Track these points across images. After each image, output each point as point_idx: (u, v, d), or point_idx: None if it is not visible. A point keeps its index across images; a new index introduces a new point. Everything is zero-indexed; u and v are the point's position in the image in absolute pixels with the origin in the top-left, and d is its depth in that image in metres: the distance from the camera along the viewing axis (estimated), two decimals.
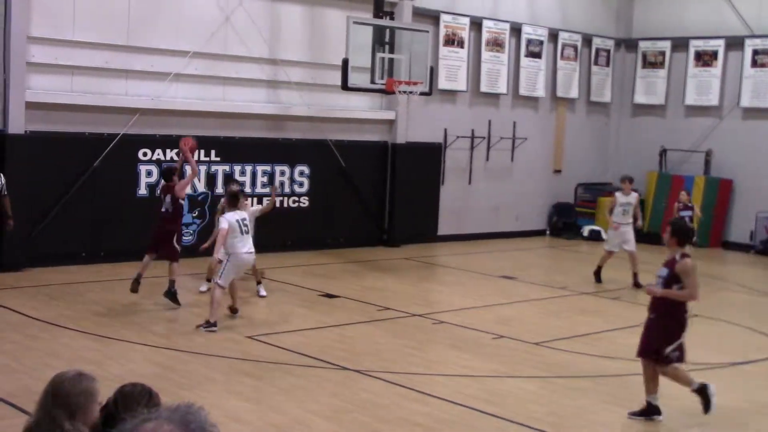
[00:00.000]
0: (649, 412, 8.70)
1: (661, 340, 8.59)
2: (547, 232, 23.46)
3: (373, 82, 17.51)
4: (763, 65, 22.28)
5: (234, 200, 12.22)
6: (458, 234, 20.69)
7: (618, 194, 16.90)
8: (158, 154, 16.43)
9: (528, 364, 10.64)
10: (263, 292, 13.79)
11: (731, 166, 22.76)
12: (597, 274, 16.52)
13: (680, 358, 8.64)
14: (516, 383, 9.84)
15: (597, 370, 10.53)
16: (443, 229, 20.79)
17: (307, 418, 8.40)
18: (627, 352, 11.32)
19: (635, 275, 16.14)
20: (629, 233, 16.55)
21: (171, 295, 12.59)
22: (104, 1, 15.78)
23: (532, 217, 23.25)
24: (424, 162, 20.42)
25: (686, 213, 17.29)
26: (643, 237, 22.91)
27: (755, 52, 22.38)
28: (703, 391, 8.71)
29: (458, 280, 16.57)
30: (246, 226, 11.92)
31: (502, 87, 22.09)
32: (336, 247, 18.64)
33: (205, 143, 16.99)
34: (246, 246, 11.82)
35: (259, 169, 17.89)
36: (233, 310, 12.32)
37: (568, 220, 23.28)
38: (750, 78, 22.49)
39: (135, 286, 12.63)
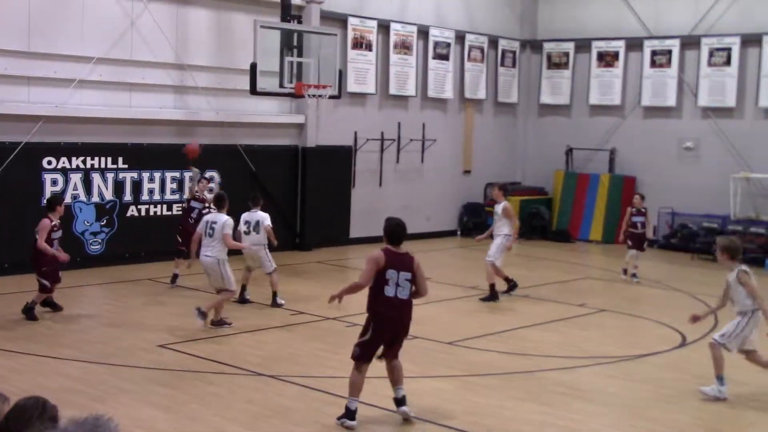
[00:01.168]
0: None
1: None
2: (458, 233, 23.73)
3: (282, 86, 17.48)
4: (661, 65, 22.93)
5: (219, 202, 12.87)
6: (370, 236, 20.75)
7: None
8: (63, 162, 16.10)
9: (442, 363, 10.75)
10: (280, 301, 13.96)
11: (634, 163, 23.37)
12: (507, 281, 15.55)
13: None
14: (431, 383, 9.94)
15: (510, 367, 10.69)
16: (355, 232, 20.86)
17: (223, 425, 8.35)
18: (538, 349, 11.58)
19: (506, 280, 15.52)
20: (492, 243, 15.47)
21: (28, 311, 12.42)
22: (2, 6, 15.40)
23: (443, 218, 23.50)
24: (335, 165, 20.45)
25: (639, 219, 17.37)
26: (552, 235, 23.43)
27: (653, 53, 23.03)
28: None
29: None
30: (212, 229, 12.31)
31: (410, 89, 22.26)
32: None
33: (111, 150, 16.74)
34: (205, 248, 12.30)
35: (168, 175, 17.68)
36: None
37: (478, 220, 23.57)
38: (649, 78, 23.13)
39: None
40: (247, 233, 13.81)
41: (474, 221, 23.61)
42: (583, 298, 15.38)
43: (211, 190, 16.12)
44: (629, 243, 17.44)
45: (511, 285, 15.49)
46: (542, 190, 24.68)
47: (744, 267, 9.57)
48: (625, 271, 17.51)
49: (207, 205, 14.84)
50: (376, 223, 21.03)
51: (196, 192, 15.32)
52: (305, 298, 14.40)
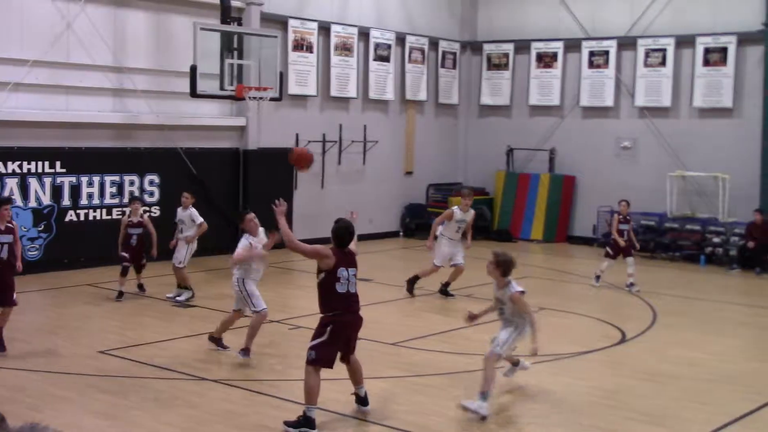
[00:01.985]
0: None
1: None
2: (400, 234, 23.80)
3: (222, 88, 17.39)
4: (598, 66, 23.26)
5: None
6: (313, 238, 20.70)
7: (456, 209, 15.64)
8: None
9: (386, 364, 10.79)
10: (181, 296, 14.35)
11: (573, 163, 23.67)
12: (411, 284, 15.54)
13: None
14: (375, 384, 9.95)
15: (453, 367, 10.76)
16: (298, 234, 20.45)
17: (165, 431, 8.28)
18: (482, 348, 11.61)
19: (448, 284, 15.50)
20: (460, 247, 15.48)
21: None
22: None
23: (385, 219, 23.55)
24: (277, 167, 20.35)
25: (624, 226, 16.85)
26: (494, 235, 23.60)
27: (591, 54, 23.35)
28: None
29: (315, 284, 16.56)
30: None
31: (352, 91, 22.28)
32: (191, 255, 18.34)
33: (49, 154, 16.49)
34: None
35: (108, 179, 17.47)
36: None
37: (421, 221, 23.69)
38: (587, 78, 23.45)
39: None
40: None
41: (416, 222, 23.71)
42: (525, 297, 15.47)
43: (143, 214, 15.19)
44: (610, 252, 16.80)
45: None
46: (484, 191, 24.86)
47: (518, 288, 9.16)
48: (597, 278, 16.83)
49: (143, 226, 14.52)
50: (319, 225, 21.14)
51: (130, 219, 14.54)
52: None
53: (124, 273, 14.29)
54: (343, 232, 8.66)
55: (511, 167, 24.55)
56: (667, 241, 21.13)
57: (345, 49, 22.04)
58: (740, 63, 21.29)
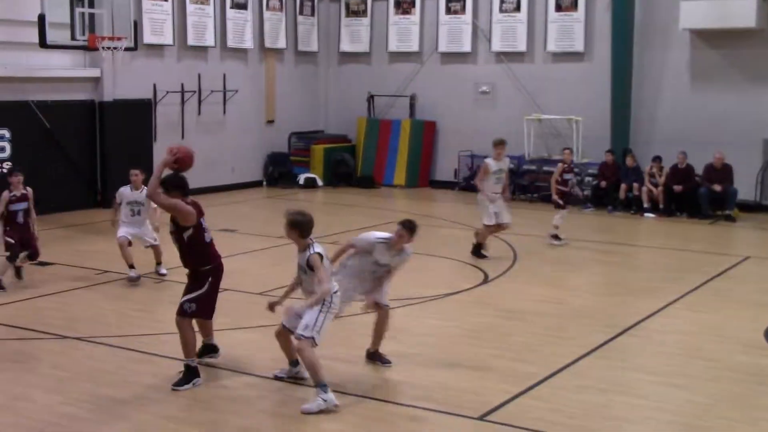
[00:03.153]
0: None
1: None
2: (264, 183, 23.66)
3: (73, 38, 16.80)
4: (456, 12, 23.50)
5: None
6: None
7: (489, 161, 14.59)
8: None
9: (254, 314, 10.75)
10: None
11: (434, 108, 23.94)
12: (478, 250, 14.53)
13: None
14: (243, 335, 9.96)
15: None
16: None
17: (28, 392, 8.07)
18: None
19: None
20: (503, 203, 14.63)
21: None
22: None
23: (248, 169, 23.34)
24: (135, 119, 19.87)
25: (569, 176, 16.28)
26: (357, 182, 23.72)
27: (450, 0, 23.56)
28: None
29: (170, 238, 16.33)
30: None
31: (209, 40, 21.84)
32: (47, 212, 17.73)
33: None
34: None
35: None
36: None
37: (284, 170, 23.60)
38: (445, 24, 23.67)
39: None
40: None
41: (279, 171, 23.60)
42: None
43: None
44: (560, 202, 15.96)
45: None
46: (346, 138, 24.90)
47: (318, 249, 7.97)
48: (556, 236, 15.86)
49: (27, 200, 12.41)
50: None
51: (13, 193, 12.30)
52: (110, 257, 13.97)
53: (12, 258, 12.15)
54: (183, 180, 8.51)
55: (372, 114, 24.65)
56: (525, 182, 21.73)
57: None
58: (590, 8, 21.87)
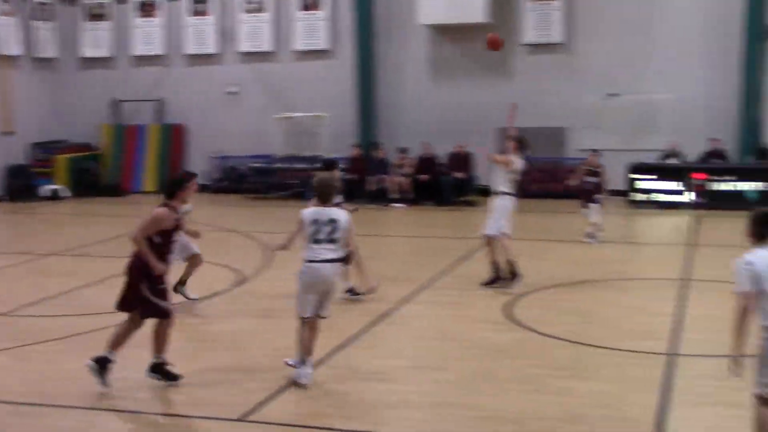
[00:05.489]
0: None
1: None
2: (6, 198, 22.37)
3: None
4: (201, 14, 23.31)
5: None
6: None
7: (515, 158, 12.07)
8: None
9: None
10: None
11: (183, 111, 23.63)
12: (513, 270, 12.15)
13: None
14: None
15: (73, 329, 10.37)
16: None
17: None
18: (99, 307, 11.22)
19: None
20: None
21: None
22: None
23: None
24: None
25: (593, 179, 15.36)
26: (103, 190, 22.93)
27: (195, 2, 23.31)
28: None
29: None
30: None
31: None
32: None
33: None
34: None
35: None
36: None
37: (25, 182, 22.44)
38: (190, 26, 23.41)
39: None
40: None
41: (20, 184, 22.37)
42: None
43: None
44: (585, 202, 15.37)
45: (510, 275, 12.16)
46: (90, 146, 24.06)
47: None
48: (590, 235, 15.28)
49: None
50: None
51: None
52: None
53: None
54: None
55: (117, 120, 23.95)
56: (276, 181, 21.89)
57: None
58: (335, 6, 22.31)
